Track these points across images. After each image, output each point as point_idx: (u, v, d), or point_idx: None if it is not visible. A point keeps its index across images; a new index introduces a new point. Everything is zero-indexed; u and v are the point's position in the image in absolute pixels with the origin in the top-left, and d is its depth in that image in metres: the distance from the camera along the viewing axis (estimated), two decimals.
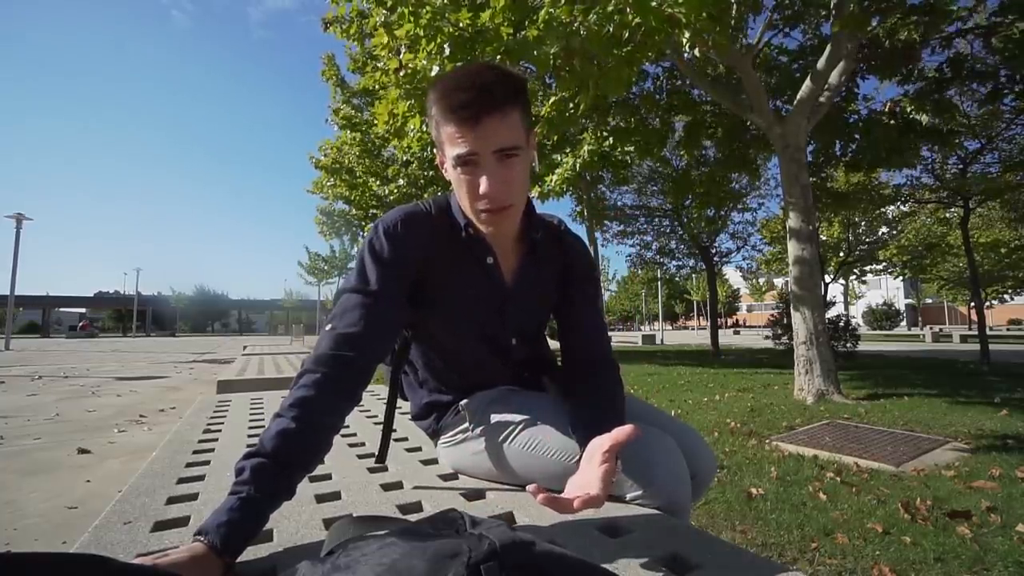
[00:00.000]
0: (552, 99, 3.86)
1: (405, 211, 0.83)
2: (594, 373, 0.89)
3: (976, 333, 9.34)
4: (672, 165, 10.52)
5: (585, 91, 3.23)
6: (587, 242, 1.02)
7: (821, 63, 5.02)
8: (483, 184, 0.73)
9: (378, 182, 10.45)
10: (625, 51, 3.01)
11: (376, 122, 4.31)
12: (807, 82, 5.11)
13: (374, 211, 11.19)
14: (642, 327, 47.93)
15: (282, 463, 0.63)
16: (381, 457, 0.97)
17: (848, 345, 8.69)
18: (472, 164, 0.73)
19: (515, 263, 0.89)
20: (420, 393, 0.99)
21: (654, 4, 2.81)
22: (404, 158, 9.36)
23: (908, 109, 6.19)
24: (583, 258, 0.96)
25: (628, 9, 2.81)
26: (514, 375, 0.98)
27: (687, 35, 3.10)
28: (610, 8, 2.88)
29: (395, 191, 9.91)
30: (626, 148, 6.75)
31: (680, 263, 14.93)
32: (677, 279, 28.70)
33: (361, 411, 1.64)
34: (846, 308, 30.75)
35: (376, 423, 1.43)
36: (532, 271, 0.90)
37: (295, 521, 0.72)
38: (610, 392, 0.85)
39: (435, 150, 0.83)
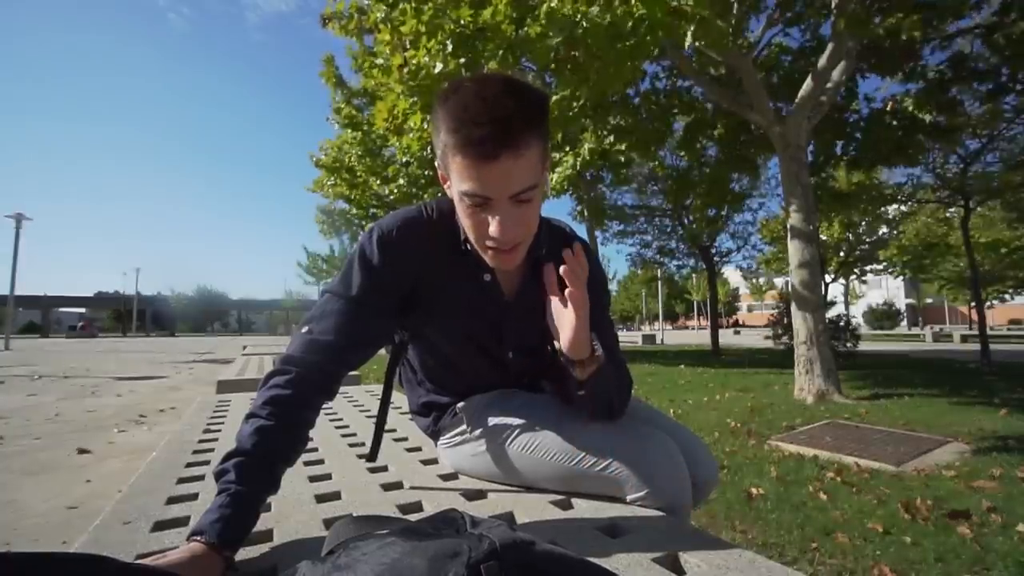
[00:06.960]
0: (553, 98, 3.85)
1: (403, 218, 0.80)
2: None
3: (976, 333, 9.33)
4: (671, 166, 10.52)
5: (586, 85, 3.21)
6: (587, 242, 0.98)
7: (822, 62, 5.02)
8: (493, 227, 0.67)
9: (378, 181, 10.45)
10: (628, 44, 2.97)
11: (375, 121, 4.32)
12: (808, 81, 5.11)
13: (374, 210, 11.19)
14: (642, 327, 47.89)
15: (264, 459, 0.64)
16: (372, 455, 0.96)
17: (848, 345, 8.68)
18: (483, 206, 0.67)
19: (517, 279, 0.87)
20: (419, 391, 0.99)
21: None
22: (404, 159, 9.35)
23: (909, 108, 6.18)
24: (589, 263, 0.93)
25: (632, 0, 2.78)
26: (513, 383, 0.96)
27: (691, 28, 3.08)
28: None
29: (395, 190, 9.91)
30: (622, 147, 6.75)
31: (680, 263, 14.98)
32: (677, 279, 28.69)
33: (362, 411, 1.64)
34: (846, 308, 30.71)
35: None
36: (534, 287, 0.85)
37: (295, 521, 0.72)
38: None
39: (434, 151, 0.80)
